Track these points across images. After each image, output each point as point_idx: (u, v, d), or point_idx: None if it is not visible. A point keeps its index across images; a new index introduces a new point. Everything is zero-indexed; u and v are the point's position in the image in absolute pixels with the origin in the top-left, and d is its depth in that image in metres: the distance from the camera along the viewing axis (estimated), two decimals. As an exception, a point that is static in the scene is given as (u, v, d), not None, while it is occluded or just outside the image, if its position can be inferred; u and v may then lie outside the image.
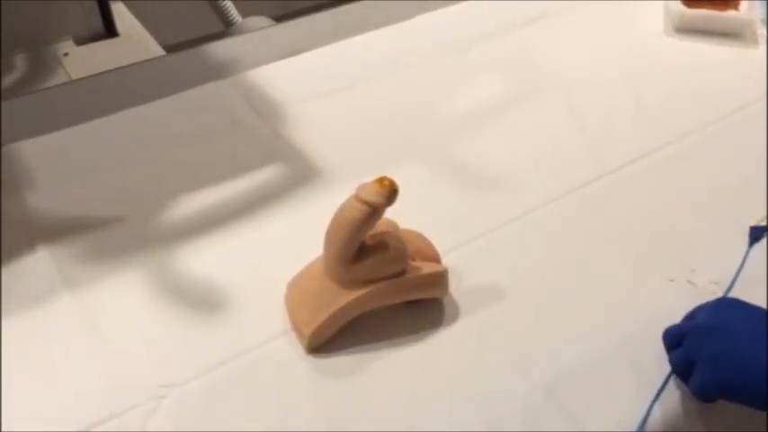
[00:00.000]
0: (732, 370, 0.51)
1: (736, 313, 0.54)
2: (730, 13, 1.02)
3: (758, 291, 0.65)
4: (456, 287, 0.66)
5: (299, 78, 0.94)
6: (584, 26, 1.05)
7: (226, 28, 1.55)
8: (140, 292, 0.67)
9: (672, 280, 0.68)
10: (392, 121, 0.88)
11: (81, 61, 1.32)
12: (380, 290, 0.61)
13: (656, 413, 0.58)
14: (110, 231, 0.73)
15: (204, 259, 0.70)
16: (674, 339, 0.57)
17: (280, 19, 1.23)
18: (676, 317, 0.60)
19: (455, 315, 0.65)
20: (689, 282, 0.68)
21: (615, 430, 0.57)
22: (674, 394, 0.59)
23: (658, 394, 0.58)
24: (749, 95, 0.92)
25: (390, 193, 0.57)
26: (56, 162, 0.81)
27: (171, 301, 0.66)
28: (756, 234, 0.68)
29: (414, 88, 0.93)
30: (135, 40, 1.42)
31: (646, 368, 0.60)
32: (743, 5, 1.02)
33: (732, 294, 0.65)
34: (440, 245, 0.66)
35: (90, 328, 0.64)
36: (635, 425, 0.56)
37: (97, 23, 1.40)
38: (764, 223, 0.70)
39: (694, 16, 1.02)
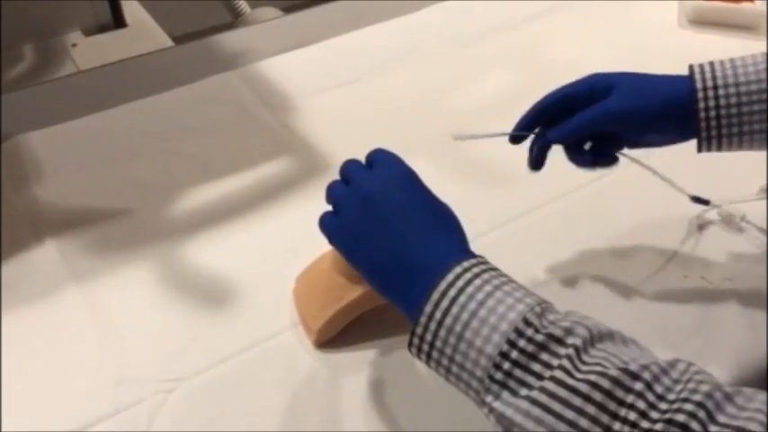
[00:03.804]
0: None
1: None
2: (745, 5, 1.00)
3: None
4: (466, 282, 0.65)
5: (308, 70, 0.93)
6: (597, 18, 1.04)
7: (234, 19, 1.55)
8: (148, 285, 0.67)
9: (685, 276, 0.67)
10: (401, 114, 0.87)
11: (89, 52, 1.32)
12: (389, 285, 0.60)
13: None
14: (117, 224, 0.72)
15: (212, 252, 0.70)
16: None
17: (288, 10, 1.22)
18: (689, 314, 0.59)
19: (465, 310, 0.64)
20: (702, 278, 0.67)
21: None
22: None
23: None
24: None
25: (400, 186, 0.57)
26: (63, 154, 0.81)
27: (178, 295, 0.66)
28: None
29: (423, 81, 0.93)
30: (143, 31, 1.42)
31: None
32: (758, -3, 1.01)
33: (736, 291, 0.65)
34: (450, 239, 0.65)
35: (97, 321, 0.63)
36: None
37: (106, 14, 1.41)
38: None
39: (709, 9, 1.01)
